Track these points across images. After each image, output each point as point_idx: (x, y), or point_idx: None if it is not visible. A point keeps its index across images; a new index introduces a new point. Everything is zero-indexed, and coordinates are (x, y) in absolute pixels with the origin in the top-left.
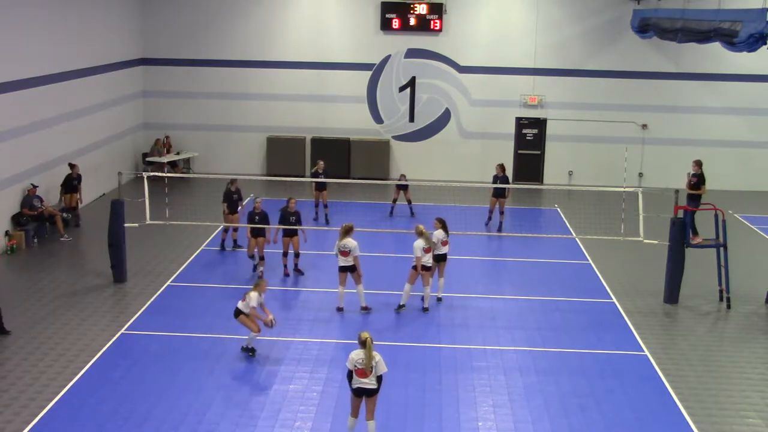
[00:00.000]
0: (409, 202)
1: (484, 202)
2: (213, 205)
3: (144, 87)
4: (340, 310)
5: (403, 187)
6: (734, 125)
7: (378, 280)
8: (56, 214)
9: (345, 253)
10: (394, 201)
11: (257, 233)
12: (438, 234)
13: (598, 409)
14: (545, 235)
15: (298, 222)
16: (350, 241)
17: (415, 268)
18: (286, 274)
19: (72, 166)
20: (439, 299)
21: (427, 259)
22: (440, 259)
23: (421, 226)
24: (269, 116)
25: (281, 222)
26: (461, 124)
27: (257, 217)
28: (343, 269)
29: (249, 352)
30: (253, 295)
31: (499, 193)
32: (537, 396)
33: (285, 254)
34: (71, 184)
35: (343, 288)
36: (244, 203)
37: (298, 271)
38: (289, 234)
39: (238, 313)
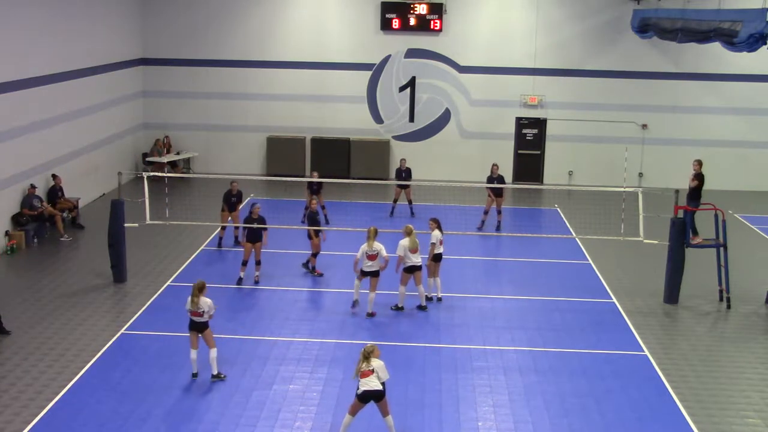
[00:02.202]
0: (410, 202)
1: (483, 202)
2: (213, 205)
3: (144, 87)
4: (354, 303)
5: (404, 186)
6: (734, 125)
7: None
8: (56, 214)
9: (372, 256)
10: (395, 201)
11: (253, 238)
12: (436, 234)
13: (598, 409)
14: (545, 235)
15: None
16: (377, 244)
17: (405, 269)
18: (318, 273)
19: (54, 177)
20: (439, 299)
21: (416, 259)
22: (438, 258)
23: (411, 227)
24: (269, 116)
25: (311, 223)
26: (461, 124)
27: (255, 223)
28: (366, 273)
29: (220, 377)
30: (209, 302)
31: (497, 193)
32: (537, 396)
33: (315, 255)
34: (55, 194)
35: (359, 283)
36: (241, 206)
37: (315, 272)
38: (315, 234)
39: (205, 326)
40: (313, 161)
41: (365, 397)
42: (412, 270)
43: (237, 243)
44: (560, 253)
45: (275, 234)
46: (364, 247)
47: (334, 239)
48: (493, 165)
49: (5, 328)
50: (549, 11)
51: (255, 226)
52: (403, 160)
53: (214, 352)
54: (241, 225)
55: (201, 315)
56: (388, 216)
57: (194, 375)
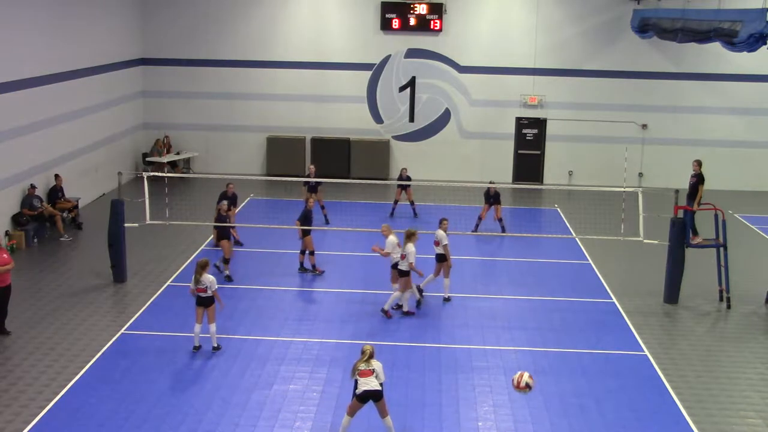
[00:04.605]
0: (412, 203)
1: (482, 202)
2: (213, 205)
3: (144, 87)
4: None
5: (405, 187)
6: (734, 125)
7: (377, 280)
8: (56, 214)
9: (402, 256)
10: (396, 202)
11: (224, 236)
12: (392, 239)
13: (598, 409)
14: (545, 235)
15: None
16: (409, 246)
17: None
18: (319, 271)
19: (56, 177)
20: (447, 299)
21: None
22: (442, 258)
23: (386, 225)
24: (269, 116)
25: (304, 221)
26: (461, 124)
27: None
28: (400, 272)
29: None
30: (211, 278)
31: (491, 204)
32: (537, 396)
33: (303, 252)
34: (55, 194)
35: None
36: (237, 210)
37: (316, 270)
38: (308, 233)
39: (210, 302)
40: (313, 161)
41: (364, 397)
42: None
43: (235, 243)
44: (560, 253)
45: (276, 234)
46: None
47: (334, 239)
48: (491, 183)
49: (5, 328)
50: (549, 11)
51: (227, 224)
52: (404, 169)
53: (213, 327)
54: (237, 225)
55: (205, 291)
56: (389, 216)
57: (196, 348)
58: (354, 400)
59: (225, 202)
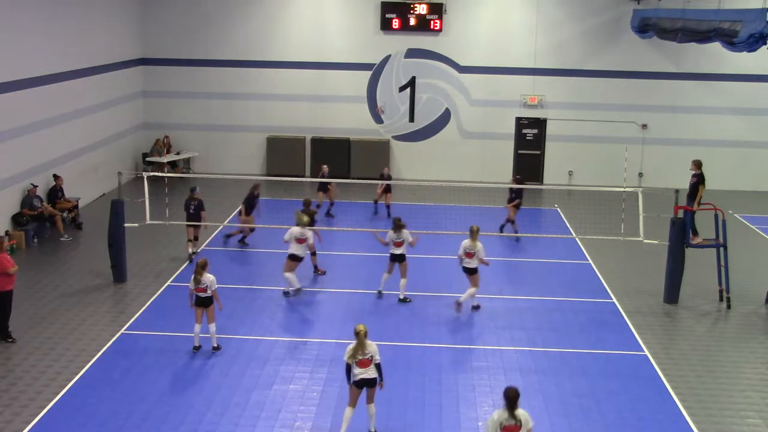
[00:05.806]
0: (388, 206)
1: (483, 203)
2: (213, 205)
3: (144, 87)
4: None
5: (388, 189)
6: (734, 125)
7: (377, 279)
8: (56, 214)
9: (470, 254)
10: (376, 201)
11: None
12: (390, 235)
13: (598, 409)
14: (545, 235)
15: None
16: (478, 244)
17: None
18: (321, 272)
19: (56, 177)
20: (402, 300)
21: (299, 250)
22: (398, 259)
23: (301, 215)
24: (269, 116)
25: (311, 222)
26: (461, 124)
27: (193, 205)
28: (464, 270)
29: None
30: (211, 278)
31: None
32: (537, 396)
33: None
34: (55, 194)
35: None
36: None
37: (318, 271)
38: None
39: (209, 302)
40: (313, 161)
41: (361, 383)
42: (295, 258)
43: (243, 243)
44: (560, 253)
45: (276, 234)
46: (466, 243)
47: (334, 239)
48: (517, 178)
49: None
50: (549, 11)
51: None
52: (386, 168)
53: (213, 327)
54: (237, 225)
55: (205, 290)
56: (373, 214)
57: (196, 348)
58: (351, 387)
59: (198, 192)
